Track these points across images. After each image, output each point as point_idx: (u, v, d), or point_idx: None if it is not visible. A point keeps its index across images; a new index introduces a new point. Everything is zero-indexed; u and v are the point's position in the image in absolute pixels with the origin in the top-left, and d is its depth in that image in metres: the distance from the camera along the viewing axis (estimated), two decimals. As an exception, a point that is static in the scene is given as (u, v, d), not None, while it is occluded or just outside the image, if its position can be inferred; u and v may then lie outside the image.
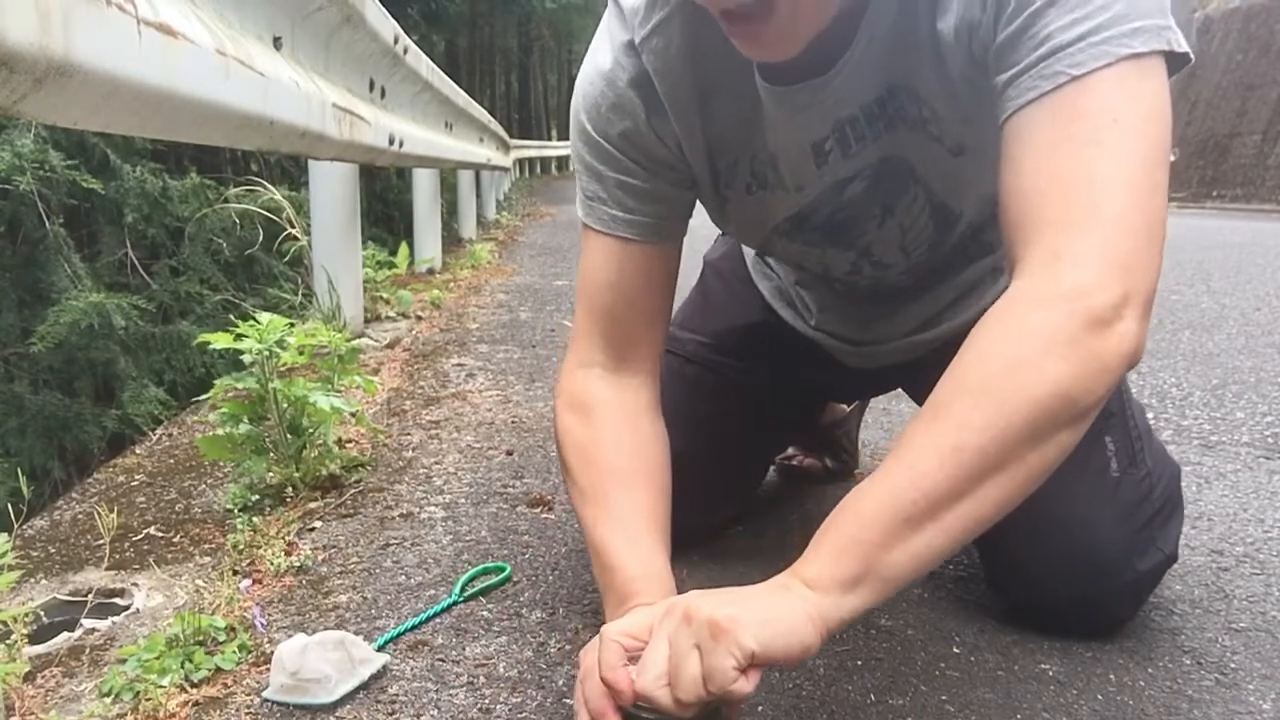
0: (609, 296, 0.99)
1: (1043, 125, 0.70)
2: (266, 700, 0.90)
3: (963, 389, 0.67)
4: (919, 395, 1.33)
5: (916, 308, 1.16)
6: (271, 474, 1.48)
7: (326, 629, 1.02)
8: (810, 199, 0.98)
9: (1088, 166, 0.68)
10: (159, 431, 1.99)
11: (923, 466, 0.66)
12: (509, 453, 1.73)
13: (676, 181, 0.99)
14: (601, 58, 0.95)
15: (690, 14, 0.88)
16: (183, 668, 0.93)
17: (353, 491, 1.51)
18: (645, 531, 0.89)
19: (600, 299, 1.00)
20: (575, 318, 1.03)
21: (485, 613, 1.09)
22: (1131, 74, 0.69)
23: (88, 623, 1.07)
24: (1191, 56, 0.73)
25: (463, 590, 1.12)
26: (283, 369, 1.53)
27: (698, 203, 1.04)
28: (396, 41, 2.74)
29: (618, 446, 0.96)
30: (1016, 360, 0.66)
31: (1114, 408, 1.06)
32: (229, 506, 1.42)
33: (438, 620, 1.07)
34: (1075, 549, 1.00)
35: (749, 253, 1.34)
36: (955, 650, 1.01)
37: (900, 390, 1.38)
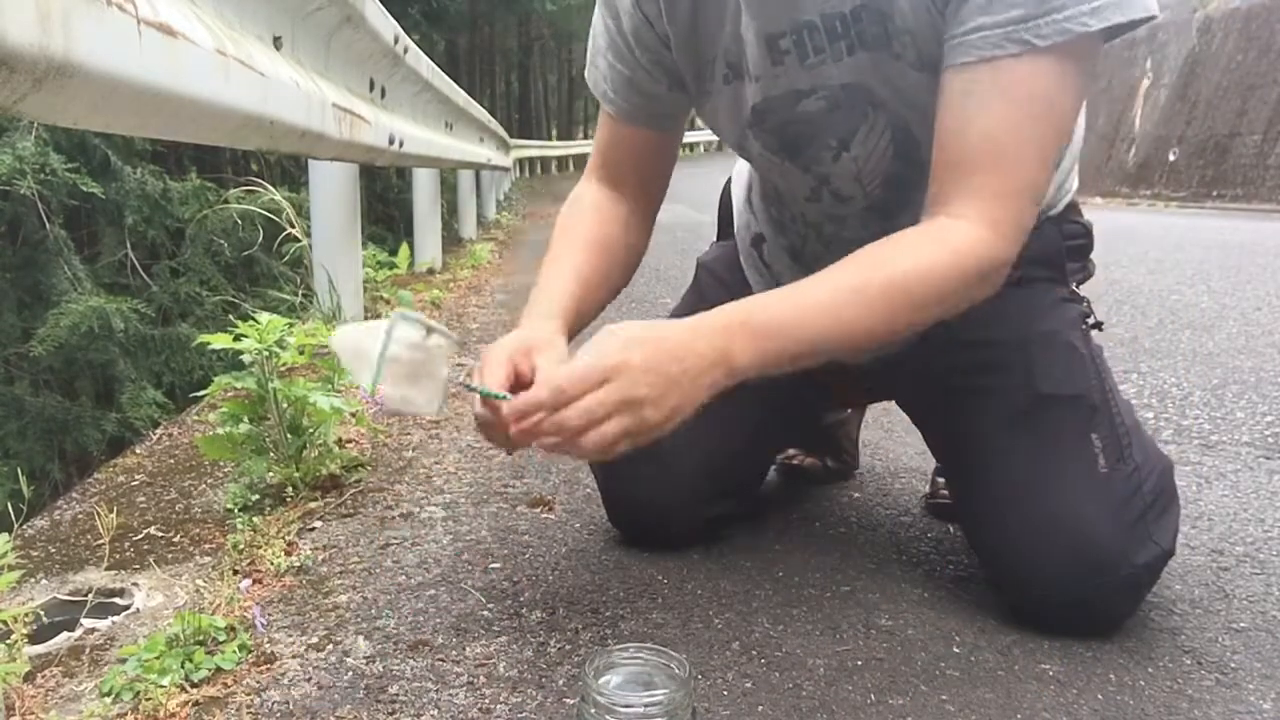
0: (605, 151, 1.23)
1: (993, 92, 0.84)
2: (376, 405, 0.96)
3: (891, 284, 0.89)
4: (908, 406, 1.33)
5: None
6: (271, 474, 1.48)
7: (326, 629, 1.02)
8: (764, 96, 1.06)
9: (1021, 140, 0.84)
10: (159, 431, 1.99)
11: (844, 319, 0.89)
12: (509, 452, 1.73)
13: (657, 78, 1.14)
14: None
15: None
16: (183, 668, 0.93)
17: (353, 491, 1.51)
18: (572, 279, 1.12)
19: (601, 146, 1.24)
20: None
21: (485, 613, 1.09)
22: (1077, 53, 0.82)
23: (88, 622, 1.07)
24: (1156, 14, 0.82)
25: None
26: (283, 369, 1.53)
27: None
28: (397, 41, 2.75)
29: (585, 224, 1.19)
30: (943, 294, 0.90)
31: (1098, 404, 1.06)
32: (229, 506, 1.42)
33: (438, 620, 1.07)
34: (1070, 546, 1.00)
35: (743, 246, 1.34)
36: (955, 650, 1.00)
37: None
